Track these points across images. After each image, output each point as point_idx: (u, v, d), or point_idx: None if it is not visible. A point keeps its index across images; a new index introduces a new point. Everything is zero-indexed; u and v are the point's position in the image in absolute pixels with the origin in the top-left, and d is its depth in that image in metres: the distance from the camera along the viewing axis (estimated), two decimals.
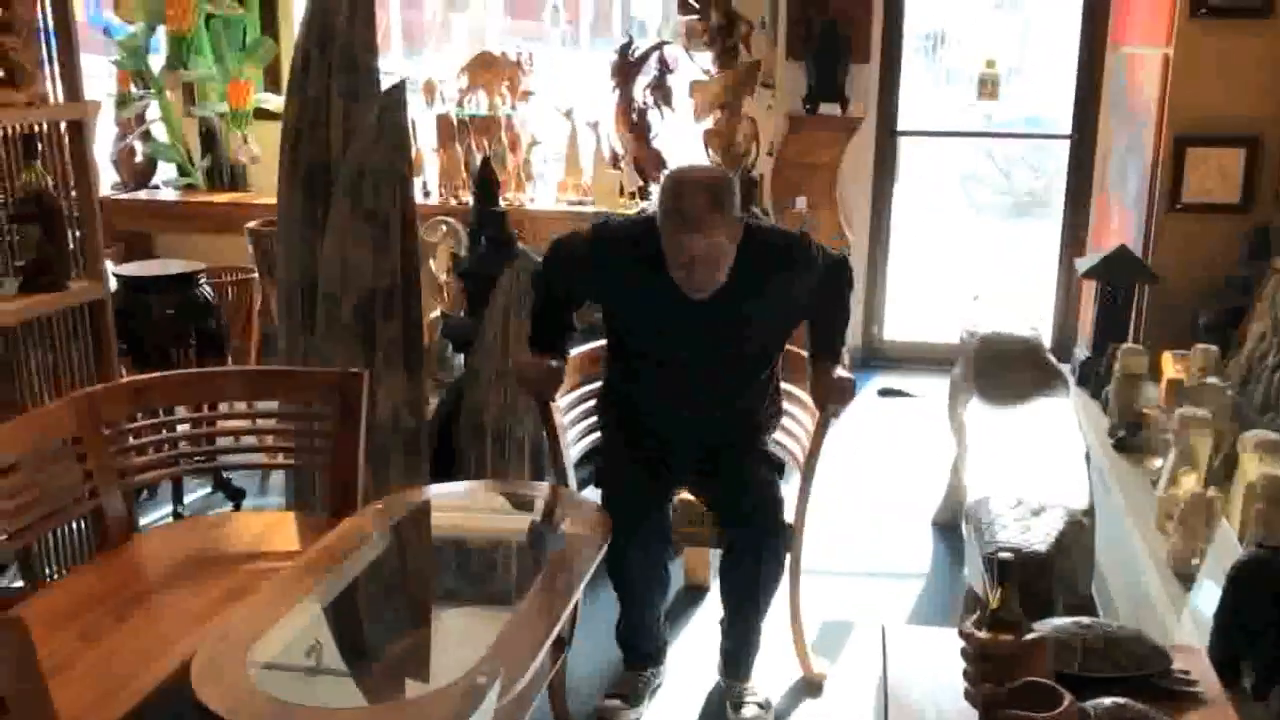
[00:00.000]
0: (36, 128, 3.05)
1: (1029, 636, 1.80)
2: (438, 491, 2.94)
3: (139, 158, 6.03)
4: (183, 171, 6.04)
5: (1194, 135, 4.06)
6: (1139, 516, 3.00)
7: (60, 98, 3.13)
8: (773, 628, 3.08)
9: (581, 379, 3.26)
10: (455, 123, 5.58)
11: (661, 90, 5.52)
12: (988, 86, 5.72)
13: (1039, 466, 3.09)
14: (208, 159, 6.03)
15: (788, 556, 2.95)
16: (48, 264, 3.00)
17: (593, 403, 3.25)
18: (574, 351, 3.15)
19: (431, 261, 4.71)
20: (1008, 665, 1.76)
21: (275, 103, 5.69)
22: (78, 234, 3.19)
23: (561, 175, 5.70)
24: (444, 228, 4.80)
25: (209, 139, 6.04)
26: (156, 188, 6.07)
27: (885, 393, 5.49)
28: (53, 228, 2.99)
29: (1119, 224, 4.69)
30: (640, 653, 3.00)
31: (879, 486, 4.43)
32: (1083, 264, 4.21)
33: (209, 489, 4.21)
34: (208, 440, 3.12)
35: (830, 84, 5.36)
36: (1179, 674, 1.99)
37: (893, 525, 4.10)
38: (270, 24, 6.02)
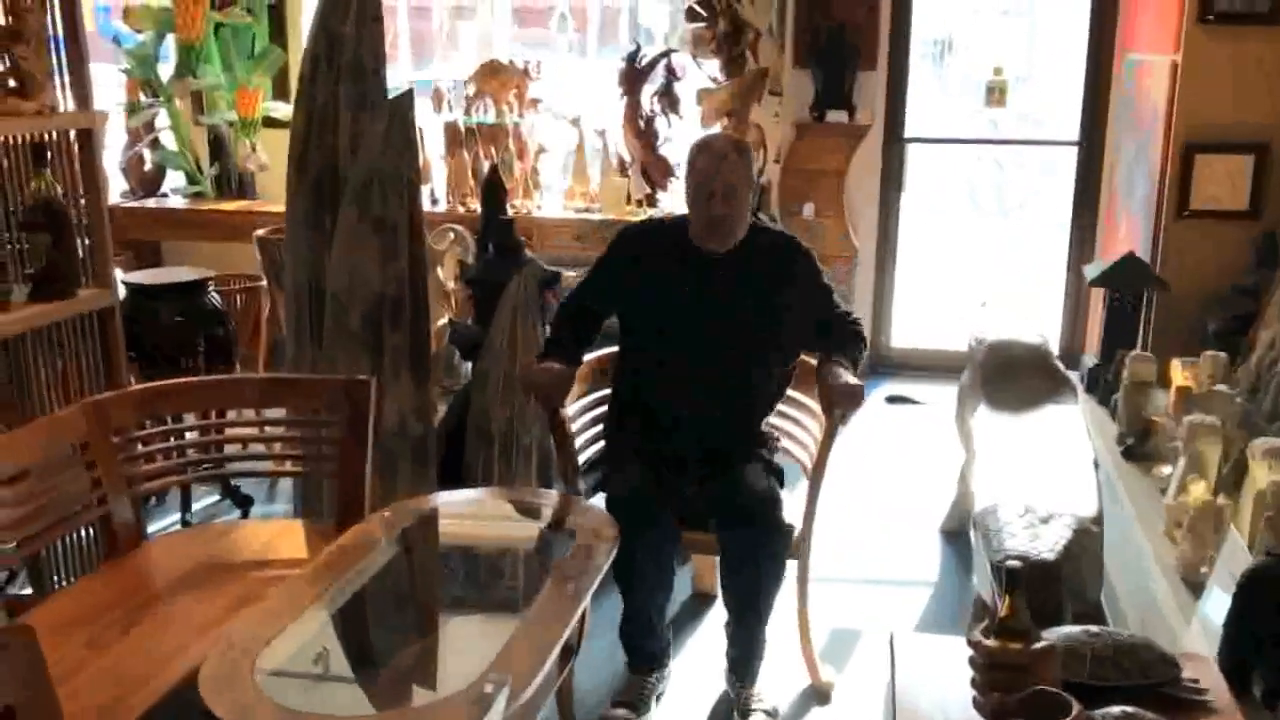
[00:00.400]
0: (46, 136, 3.07)
1: (1038, 645, 1.79)
2: (445, 499, 2.94)
3: (148, 166, 6.05)
4: (191, 180, 6.06)
5: (1202, 142, 4.05)
6: (1148, 524, 2.99)
7: (70, 106, 3.14)
8: (780, 635, 3.07)
9: (589, 387, 3.27)
10: (463, 130, 5.59)
11: (669, 98, 5.53)
12: (995, 94, 5.72)
13: (1047, 474, 3.08)
14: (216, 167, 6.04)
15: (792, 561, 2.95)
16: (57, 272, 3.01)
17: (599, 410, 3.26)
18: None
19: (439, 269, 4.72)
20: (1017, 674, 1.76)
21: (284, 111, 5.71)
22: (87, 242, 3.20)
23: (569, 183, 5.71)
24: (451, 235, 4.81)
25: (217, 147, 6.06)
26: (165, 196, 6.09)
27: (893, 400, 5.49)
28: (62, 236, 3.00)
29: (1127, 231, 4.68)
30: (645, 653, 2.99)
31: (887, 494, 4.42)
32: (1091, 271, 4.20)
33: (217, 496, 4.21)
34: (216, 448, 3.12)
35: (837, 91, 5.37)
36: (1188, 682, 1.98)
37: (901, 533, 4.09)
38: (279, 33, 6.04)
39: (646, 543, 2.80)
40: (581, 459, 3.17)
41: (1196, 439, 2.90)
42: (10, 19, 2.96)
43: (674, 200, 5.57)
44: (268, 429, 3.12)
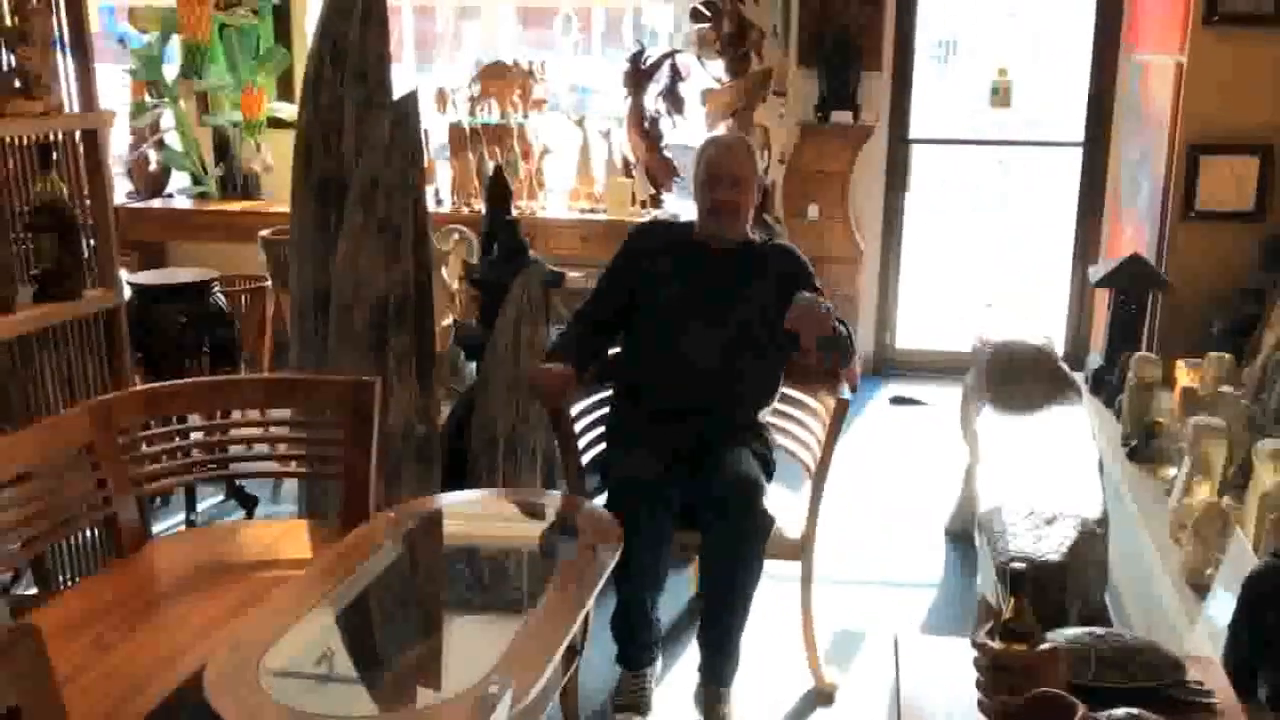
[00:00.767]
0: (52, 137, 3.07)
1: (1043, 647, 1.79)
2: (449, 500, 2.94)
3: (153, 166, 6.06)
4: (196, 180, 6.06)
5: (1207, 143, 4.05)
6: (1152, 526, 2.98)
7: (76, 107, 3.15)
8: (783, 636, 3.07)
9: (592, 388, 3.27)
10: (467, 131, 5.59)
11: (673, 98, 5.53)
12: (1000, 94, 5.72)
13: (1052, 476, 3.08)
14: (221, 168, 6.05)
15: (795, 562, 2.94)
16: (63, 273, 3.01)
17: (603, 412, 3.27)
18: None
19: (444, 270, 4.72)
20: (1021, 676, 1.76)
21: (288, 112, 5.72)
22: (92, 243, 3.20)
23: (573, 183, 5.71)
24: (456, 236, 4.81)
25: (222, 148, 6.07)
26: (170, 196, 6.10)
27: (897, 401, 5.48)
28: (68, 237, 3.00)
29: (1132, 232, 4.68)
30: (638, 644, 2.96)
31: (891, 495, 4.42)
32: (1095, 272, 4.20)
33: (222, 497, 4.22)
34: (220, 448, 3.13)
35: (842, 92, 5.37)
36: (1193, 685, 1.98)
37: (905, 534, 4.09)
38: (283, 34, 6.05)
39: (646, 528, 2.78)
40: (585, 460, 3.17)
41: (1201, 441, 2.90)
42: (16, 20, 2.97)
43: (678, 201, 5.57)
44: (272, 430, 3.13)
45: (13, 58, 2.96)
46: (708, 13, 5.38)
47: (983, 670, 1.82)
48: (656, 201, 5.56)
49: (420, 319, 3.30)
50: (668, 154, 5.55)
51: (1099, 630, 2.08)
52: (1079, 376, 3.99)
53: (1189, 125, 4.06)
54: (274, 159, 5.83)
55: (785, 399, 3.28)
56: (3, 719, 1.54)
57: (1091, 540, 2.71)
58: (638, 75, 5.50)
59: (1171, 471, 3.21)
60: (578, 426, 3.17)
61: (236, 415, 3.28)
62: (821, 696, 3.07)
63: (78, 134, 3.17)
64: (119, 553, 2.70)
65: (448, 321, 4.48)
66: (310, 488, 3.44)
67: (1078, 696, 1.69)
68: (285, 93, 6.03)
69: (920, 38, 5.71)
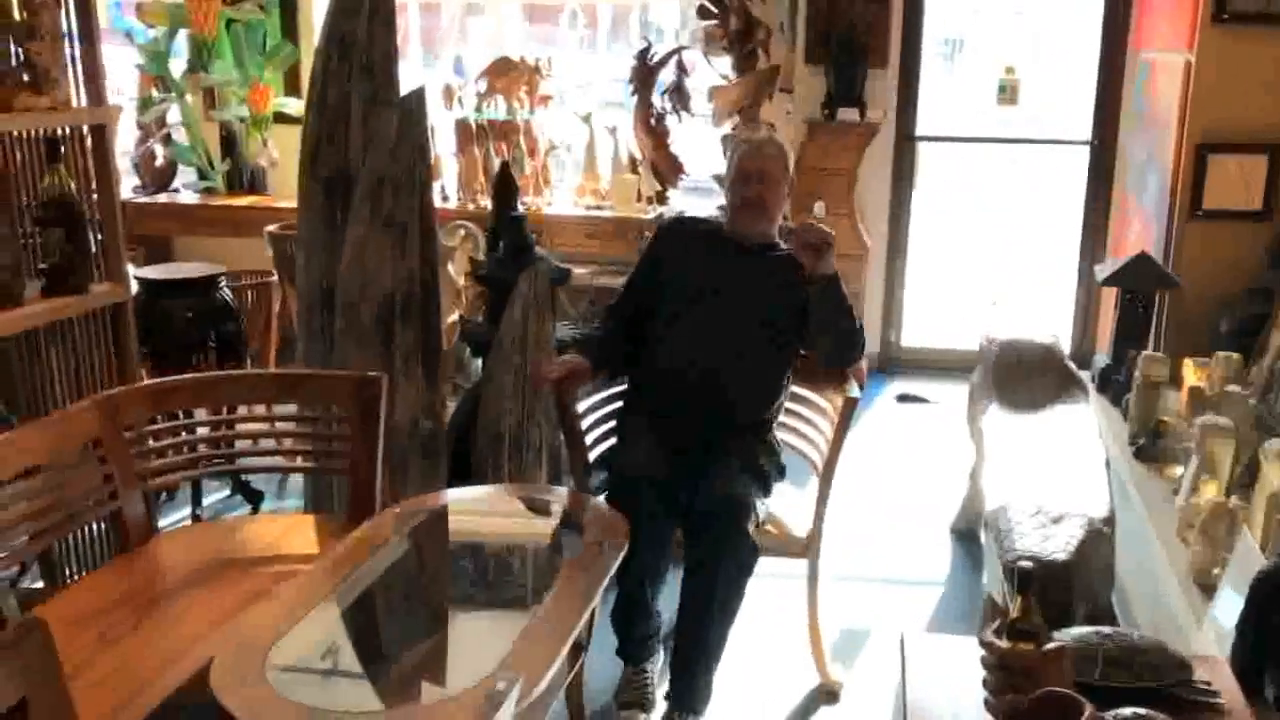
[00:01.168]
0: (60, 131, 3.07)
1: (1050, 646, 1.78)
2: (455, 495, 2.94)
3: (159, 161, 6.06)
4: (203, 175, 6.07)
5: (1216, 142, 4.04)
6: (1160, 525, 2.98)
7: (83, 102, 3.15)
8: (789, 634, 3.07)
9: (600, 384, 3.27)
10: (474, 127, 5.59)
11: (680, 95, 5.53)
12: (1007, 93, 5.71)
13: (1059, 474, 3.07)
14: (228, 162, 6.06)
15: (801, 560, 2.93)
16: (70, 267, 3.02)
17: (611, 408, 3.27)
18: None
19: (450, 266, 4.72)
20: (1028, 675, 1.75)
21: (295, 107, 5.72)
22: (99, 237, 3.20)
23: (579, 180, 5.71)
24: (463, 232, 4.81)
25: (229, 143, 6.08)
26: (176, 191, 6.10)
27: (903, 399, 5.48)
28: (75, 231, 3.00)
29: (1139, 231, 4.67)
30: (638, 637, 2.94)
31: (897, 493, 4.42)
32: (1102, 271, 4.19)
33: (227, 492, 4.22)
34: (227, 443, 3.13)
35: (849, 89, 5.35)
36: (1200, 684, 1.97)
37: (910, 532, 4.08)
38: (290, 29, 6.05)
39: (648, 520, 2.77)
40: (591, 457, 3.17)
41: (1209, 440, 2.89)
42: (25, 14, 2.97)
43: (684, 198, 5.57)
44: (279, 425, 3.13)
45: (21, 52, 2.96)
46: (715, 9, 5.38)
47: (990, 669, 1.82)
48: (663, 198, 5.55)
49: (426, 315, 3.30)
50: (674, 150, 5.55)
51: (1106, 629, 2.08)
52: (1086, 375, 3.98)
53: (1197, 124, 4.05)
54: (280, 154, 5.83)
55: (793, 397, 3.28)
56: (11, 712, 1.54)
57: (1098, 539, 2.71)
58: (644, 72, 5.50)
59: (1178, 471, 3.20)
60: (584, 423, 3.17)
61: (243, 410, 3.28)
62: (827, 694, 3.07)
63: (85, 128, 3.16)
64: (125, 547, 2.71)
65: (454, 317, 4.48)
66: (316, 483, 3.44)
67: (1084, 696, 1.68)
68: (292, 88, 6.03)
69: (927, 35, 5.70)
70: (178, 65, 5.85)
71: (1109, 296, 4.55)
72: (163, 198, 5.97)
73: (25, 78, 2.96)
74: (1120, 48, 5.31)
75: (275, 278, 4.86)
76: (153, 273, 4.13)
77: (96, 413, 2.65)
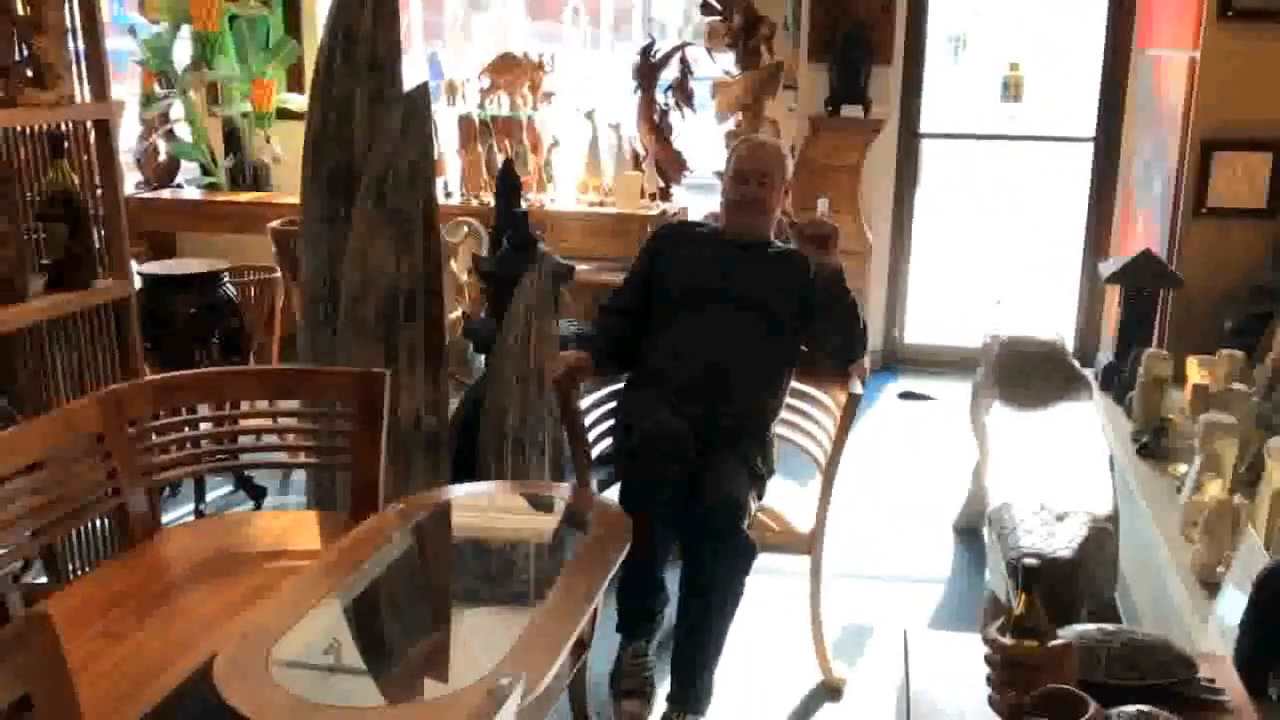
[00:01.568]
0: (63, 127, 3.07)
1: (1054, 643, 1.78)
2: (458, 492, 2.94)
3: (163, 157, 6.06)
4: (206, 171, 6.07)
5: (1220, 139, 4.03)
6: (1163, 523, 2.97)
7: (87, 97, 3.14)
8: (792, 630, 3.07)
9: (603, 380, 3.27)
10: (477, 123, 5.59)
11: (683, 91, 5.52)
12: (1012, 90, 5.71)
13: (1062, 472, 3.07)
14: (231, 158, 6.06)
15: (804, 557, 2.93)
16: (74, 262, 3.02)
17: (613, 404, 3.27)
18: None
19: (453, 262, 4.72)
20: (1032, 672, 1.75)
21: (298, 103, 5.72)
22: (103, 233, 3.20)
23: (582, 176, 5.70)
24: (466, 228, 4.81)
25: (232, 138, 6.07)
26: (180, 187, 6.11)
27: (906, 396, 5.48)
28: (79, 226, 3.00)
29: (1143, 228, 4.66)
30: (640, 610, 2.93)
31: (900, 490, 4.42)
32: (1106, 268, 4.18)
33: (230, 488, 4.23)
34: (230, 439, 3.13)
35: (853, 86, 5.35)
36: (1204, 682, 1.97)
37: (913, 529, 4.08)
38: (294, 25, 6.05)
39: (669, 480, 2.77)
40: (594, 453, 3.17)
41: (1213, 438, 2.89)
42: (29, 9, 2.97)
43: (687, 195, 5.57)
44: (282, 420, 3.13)
45: (25, 47, 2.96)
46: (718, 5, 5.37)
47: (994, 666, 1.82)
48: (666, 195, 5.55)
49: (430, 311, 3.29)
50: (677, 147, 5.55)
51: (1109, 627, 2.07)
52: (1089, 373, 3.98)
53: (1202, 121, 4.04)
54: (283, 150, 5.83)
55: (796, 394, 3.28)
56: (15, 706, 1.55)
57: (1102, 537, 2.70)
58: (647, 68, 5.49)
59: (1182, 468, 3.20)
60: (587, 420, 3.17)
61: (246, 406, 3.28)
62: (830, 691, 3.07)
63: (89, 124, 3.16)
64: (129, 542, 2.71)
65: (457, 314, 4.48)
66: (319, 479, 3.44)
67: (1088, 693, 1.68)
68: (295, 84, 6.03)
69: (932, 32, 5.70)
70: (181, 61, 5.85)
71: (1113, 294, 4.54)
72: (166, 194, 5.97)
73: (29, 73, 2.96)
74: (1124, 45, 5.31)
75: (278, 274, 4.86)
76: (156, 268, 4.13)
77: (100, 408, 2.65)
